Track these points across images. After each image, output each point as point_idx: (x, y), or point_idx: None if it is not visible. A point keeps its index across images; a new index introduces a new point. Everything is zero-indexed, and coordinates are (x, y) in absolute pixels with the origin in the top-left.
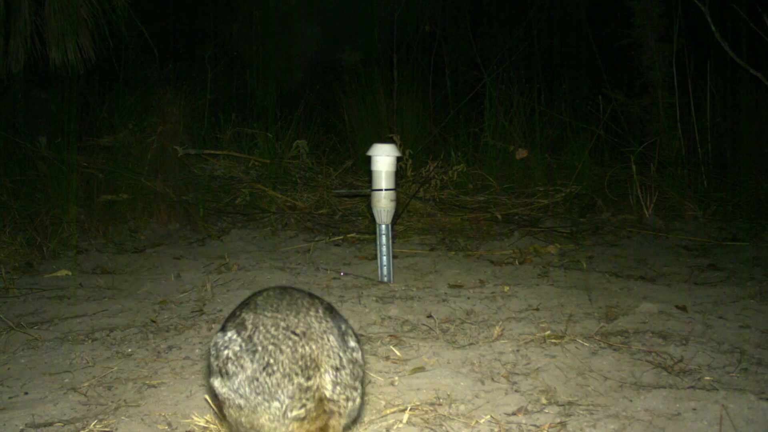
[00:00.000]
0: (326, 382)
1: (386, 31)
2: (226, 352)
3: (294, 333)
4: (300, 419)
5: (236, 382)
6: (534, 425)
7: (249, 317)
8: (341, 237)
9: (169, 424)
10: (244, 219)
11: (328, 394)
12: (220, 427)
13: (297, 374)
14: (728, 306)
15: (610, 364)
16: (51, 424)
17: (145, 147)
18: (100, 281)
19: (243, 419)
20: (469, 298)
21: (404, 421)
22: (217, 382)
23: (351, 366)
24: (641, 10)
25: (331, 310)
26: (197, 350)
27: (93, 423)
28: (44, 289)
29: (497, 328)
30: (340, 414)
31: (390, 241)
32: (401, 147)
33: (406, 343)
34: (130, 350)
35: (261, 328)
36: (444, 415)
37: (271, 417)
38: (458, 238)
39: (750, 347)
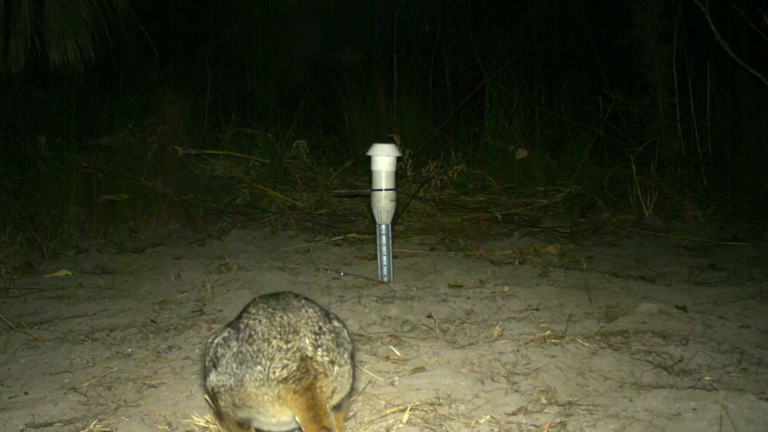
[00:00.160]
0: (306, 343)
1: (386, 31)
2: (216, 340)
3: (274, 309)
4: (284, 380)
5: (224, 363)
6: (534, 425)
7: (241, 317)
8: (341, 237)
9: (169, 424)
10: (244, 219)
11: (309, 353)
12: (220, 427)
13: (275, 338)
14: (728, 306)
15: (610, 364)
16: (51, 424)
17: (145, 147)
18: (100, 281)
19: (236, 399)
20: (469, 298)
21: (404, 421)
22: (210, 377)
23: (332, 335)
24: (641, 10)
25: (323, 309)
26: (197, 350)
27: (93, 423)
28: (44, 289)
29: (497, 328)
30: (326, 375)
31: (390, 241)
32: (401, 147)
33: (406, 343)
34: (130, 350)
35: (251, 320)
36: (444, 415)
37: (257, 382)
38: (458, 238)
39: (750, 347)
